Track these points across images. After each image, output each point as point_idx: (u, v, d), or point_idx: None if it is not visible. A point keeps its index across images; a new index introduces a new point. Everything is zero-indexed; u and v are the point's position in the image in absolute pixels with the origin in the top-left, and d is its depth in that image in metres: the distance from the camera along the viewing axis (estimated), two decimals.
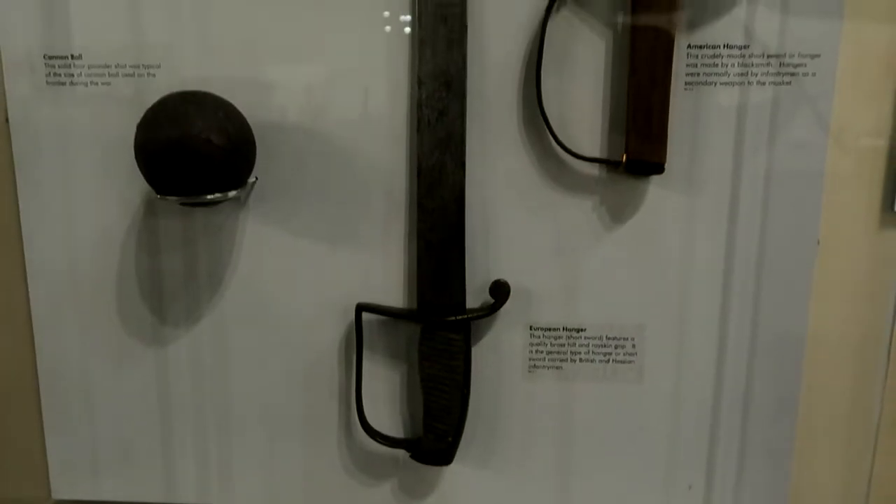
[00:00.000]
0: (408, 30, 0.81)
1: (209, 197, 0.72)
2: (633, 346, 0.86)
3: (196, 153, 0.70)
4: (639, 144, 0.78)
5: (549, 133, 0.80)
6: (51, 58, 0.83)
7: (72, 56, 0.83)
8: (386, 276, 0.86)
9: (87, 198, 0.86)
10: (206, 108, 0.72)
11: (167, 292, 0.88)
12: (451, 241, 0.83)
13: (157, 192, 0.74)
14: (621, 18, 0.79)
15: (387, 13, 0.81)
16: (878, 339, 0.87)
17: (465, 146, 0.81)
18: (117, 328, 0.89)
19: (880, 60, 0.80)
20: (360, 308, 0.85)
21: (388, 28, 0.81)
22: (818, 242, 0.83)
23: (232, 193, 0.74)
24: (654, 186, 0.82)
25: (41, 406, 0.92)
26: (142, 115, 0.76)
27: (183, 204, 0.76)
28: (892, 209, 0.83)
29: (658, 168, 0.78)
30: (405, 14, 0.81)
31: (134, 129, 0.76)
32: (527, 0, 0.79)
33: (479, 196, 0.83)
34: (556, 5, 0.78)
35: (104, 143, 0.84)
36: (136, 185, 0.83)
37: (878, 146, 0.82)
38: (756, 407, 0.87)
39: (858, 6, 0.79)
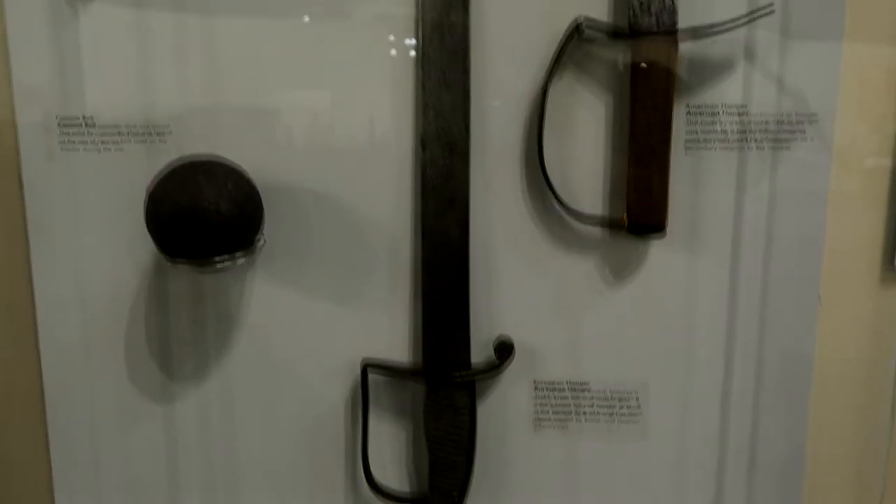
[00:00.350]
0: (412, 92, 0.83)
1: (218, 265, 0.74)
2: (637, 402, 0.87)
3: (206, 222, 0.71)
4: (639, 207, 0.79)
5: (551, 194, 0.81)
6: (64, 122, 0.85)
7: (84, 120, 0.85)
8: (391, 334, 0.87)
9: (98, 257, 0.87)
10: (215, 177, 0.74)
11: (175, 350, 0.89)
12: (456, 300, 0.84)
13: (167, 258, 0.76)
14: (621, 84, 0.80)
15: (393, 77, 0.83)
16: (882, 398, 0.87)
17: (468, 208, 0.82)
18: (126, 385, 0.90)
19: (877, 129, 0.82)
20: (366, 365, 0.86)
21: (395, 92, 0.83)
22: (819, 299, 0.84)
23: (240, 259, 0.76)
24: (656, 245, 0.83)
25: (50, 463, 0.92)
26: (152, 179, 0.78)
27: (192, 269, 0.78)
28: (893, 266, 0.84)
29: (659, 229, 0.80)
30: (410, 75, 0.83)
31: (144, 192, 0.78)
32: (529, 65, 0.81)
33: (483, 255, 0.84)
34: (557, 71, 0.80)
35: (115, 205, 0.86)
36: (145, 246, 0.84)
37: (878, 206, 0.83)
38: (762, 465, 0.87)
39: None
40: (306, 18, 0.83)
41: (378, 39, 0.82)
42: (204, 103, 0.84)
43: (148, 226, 0.75)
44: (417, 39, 0.81)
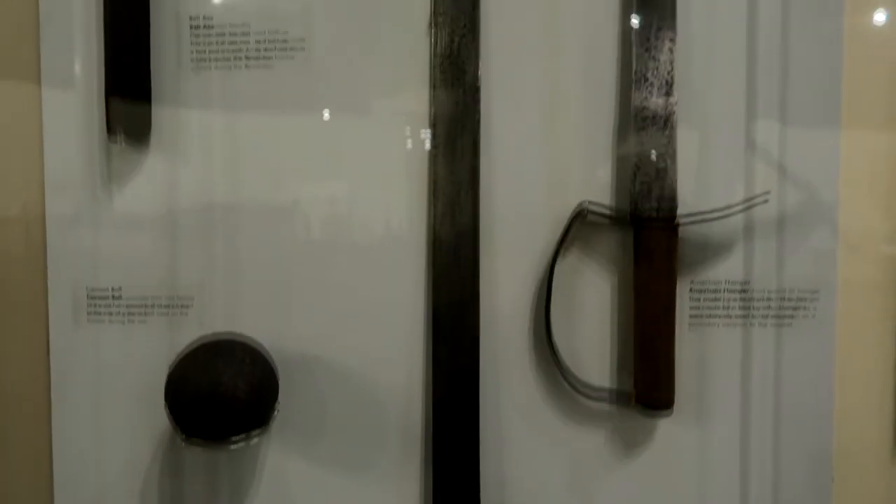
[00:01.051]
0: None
1: (233, 445, 0.76)
2: None
3: (223, 407, 0.74)
4: (646, 386, 0.80)
5: (559, 371, 0.83)
6: (93, 294, 0.90)
7: (112, 292, 0.89)
8: None
9: (117, 426, 0.89)
10: (233, 359, 0.77)
11: None
12: (466, 472, 0.84)
13: (183, 437, 0.78)
14: (625, 261, 0.83)
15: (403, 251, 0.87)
16: None
17: (478, 382, 0.84)
18: None
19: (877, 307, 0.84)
20: None
21: (405, 265, 0.87)
22: (832, 480, 0.83)
23: (255, 437, 0.78)
24: (665, 420, 0.83)
25: None
26: (173, 352, 0.81)
27: (207, 448, 0.80)
28: None
29: (667, 407, 0.80)
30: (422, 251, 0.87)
31: (165, 363, 0.81)
32: (535, 244, 0.84)
33: (492, 428, 0.85)
34: (563, 249, 0.83)
35: (136, 375, 0.88)
36: (163, 417, 0.86)
37: (886, 379, 0.84)
38: None
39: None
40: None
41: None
42: (225, 275, 0.88)
43: (166, 406, 0.77)
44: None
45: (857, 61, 0.82)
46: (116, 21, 0.84)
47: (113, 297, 0.89)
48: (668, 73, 0.81)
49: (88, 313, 0.89)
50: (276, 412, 0.85)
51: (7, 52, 0.90)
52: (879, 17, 0.84)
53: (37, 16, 0.89)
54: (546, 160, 0.85)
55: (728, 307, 0.83)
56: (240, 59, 0.86)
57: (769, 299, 0.83)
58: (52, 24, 0.88)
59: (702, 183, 0.83)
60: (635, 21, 0.81)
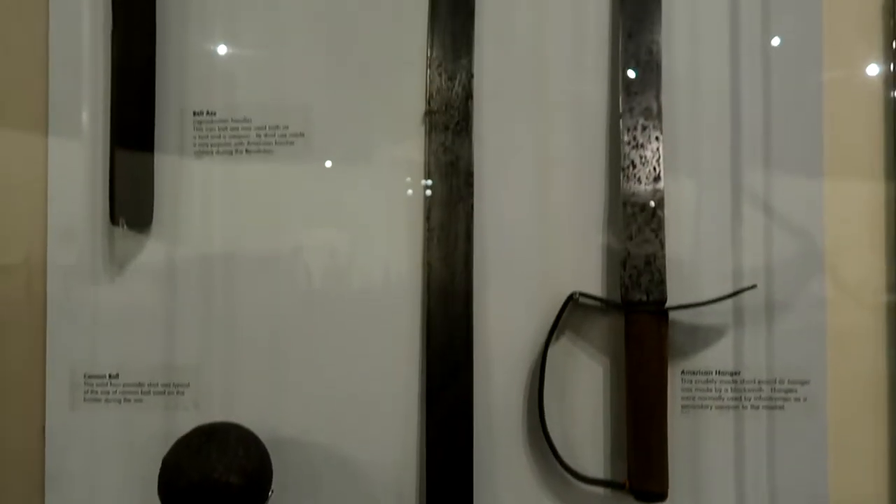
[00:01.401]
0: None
1: None
2: None
3: (216, 495, 0.74)
4: (640, 473, 0.80)
5: (553, 456, 0.83)
6: (91, 377, 0.90)
7: (110, 376, 0.90)
8: None
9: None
10: (227, 448, 0.77)
11: None
12: None
13: None
14: (616, 346, 0.84)
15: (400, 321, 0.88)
16: None
17: (472, 465, 0.84)
18: None
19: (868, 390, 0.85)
20: None
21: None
22: None
23: None
24: None
25: None
26: (169, 435, 0.81)
27: None
28: None
29: (661, 498, 0.80)
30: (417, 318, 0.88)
31: (160, 447, 0.81)
32: (527, 328, 0.86)
33: None
34: (555, 336, 0.84)
35: (131, 454, 0.89)
36: (156, 498, 0.87)
37: (879, 462, 0.84)
38: None
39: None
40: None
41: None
42: (222, 359, 0.89)
43: (160, 494, 0.77)
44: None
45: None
46: (122, 120, 0.87)
47: (110, 380, 0.90)
48: (656, 162, 0.84)
49: (85, 394, 0.90)
50: (272, 491, 0.84)
51: (15, 101, 0.92)
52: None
53: (46, 66, 0.92)
54: (538, 244, 0.87)
55: (720, 392, 0.84)
56: (241, 149, 0.89)
57: (760, 389, 0.84)
58: (60, 75, 0.91)
59: (691, 267, 0.85)
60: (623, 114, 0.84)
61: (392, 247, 0.88)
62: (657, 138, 0.84)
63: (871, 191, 0.85)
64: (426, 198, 0.87)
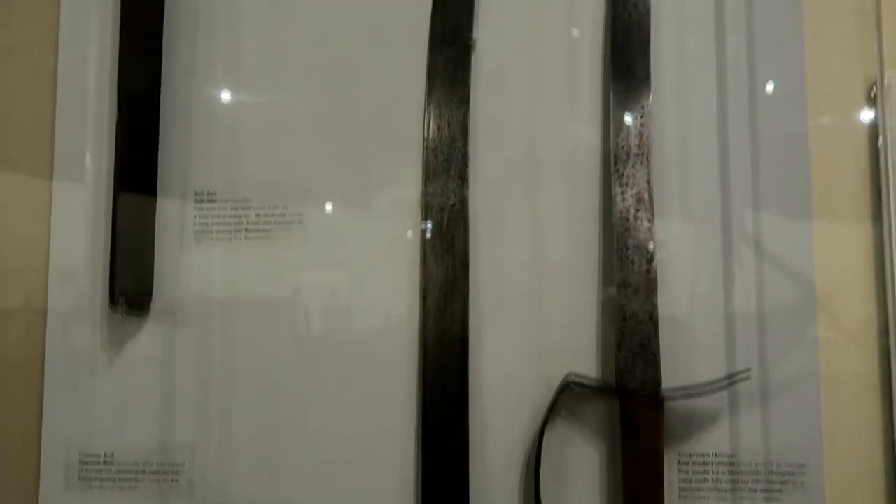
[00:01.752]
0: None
1: None
2: None
3: None
4: None
5: None
6: (86, 458, 0.90)
7: (105, 458, 0.90)
8: None
9: None
10: None
11: None
12: None
13: None
14: (612, 430, 0.84)
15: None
16: None
17: None
18: None
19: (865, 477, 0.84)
20: None
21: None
22: None
23: None
24: None
25: None
26: None
27: None
28: None
29: None
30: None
31: None
32: (523, 411, 0.86)
33: None
34: (551, 420, 0.84)
35: None
36: None
37: None
38: None
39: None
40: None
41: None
42: (219, 441, 0.89)
43: None
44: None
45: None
46: (125, 204, 0.89)
47: (104, 462, 0.90)
48: (649, 246, 0.85)
49: (79, 476, 0.90)
50: None
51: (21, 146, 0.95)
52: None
53: (53, 113, 0.94)
54: (533, 328, 0.87)
55: (717, 480, 0.83)
56: (240, 231, 0.91)
57: (757, 472, 0.83)
58: (67, 122, 0.94)
59: (685, 352, 0.85)
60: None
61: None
62: (649, 225, 0.85)
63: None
64: (422, 283, 0.87)
